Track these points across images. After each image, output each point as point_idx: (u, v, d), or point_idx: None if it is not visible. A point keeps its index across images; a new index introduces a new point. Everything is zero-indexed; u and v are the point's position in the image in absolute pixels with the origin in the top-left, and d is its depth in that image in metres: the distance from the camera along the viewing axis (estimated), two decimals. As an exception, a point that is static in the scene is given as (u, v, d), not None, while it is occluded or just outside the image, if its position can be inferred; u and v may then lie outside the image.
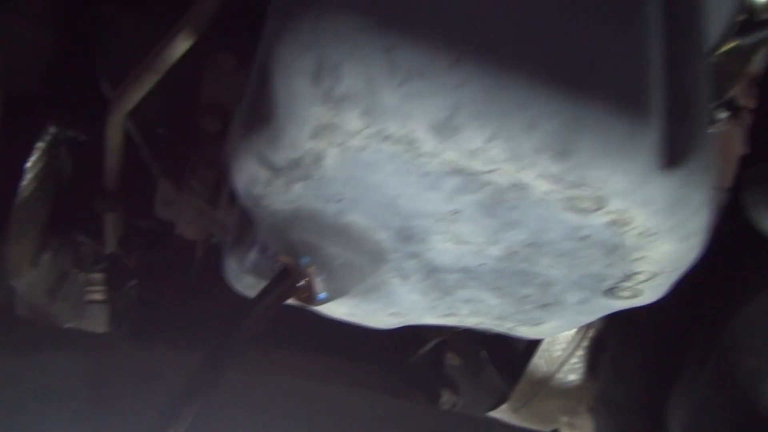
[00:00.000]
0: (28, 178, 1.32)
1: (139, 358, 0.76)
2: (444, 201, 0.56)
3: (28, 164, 1.29)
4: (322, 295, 0.69)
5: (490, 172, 0.51)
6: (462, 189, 0.54)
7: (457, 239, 0.62)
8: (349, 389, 0.88)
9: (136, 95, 0.82)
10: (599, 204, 0.52)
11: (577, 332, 1.60)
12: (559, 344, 1.63)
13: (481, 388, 1.78)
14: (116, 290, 1.29)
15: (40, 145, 1.29)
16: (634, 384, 1.44)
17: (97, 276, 1.23)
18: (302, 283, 0.69)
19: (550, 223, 0.57)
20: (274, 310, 0.67)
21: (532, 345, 1.72)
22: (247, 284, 0.79)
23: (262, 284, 0.79)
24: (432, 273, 0.71)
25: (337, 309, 0.81)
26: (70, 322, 1.63)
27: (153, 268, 1.40)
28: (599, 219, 0.53)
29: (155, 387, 0.74)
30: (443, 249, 0.65)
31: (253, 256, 0.73)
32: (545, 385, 1.72)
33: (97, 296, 1.19)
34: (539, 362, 1.67)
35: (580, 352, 1.64)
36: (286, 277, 0.68)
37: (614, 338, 1.51)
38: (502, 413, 1.84)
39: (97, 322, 1.20)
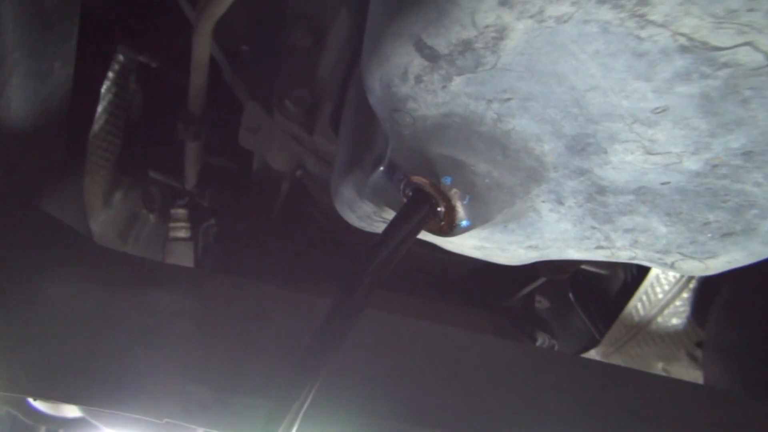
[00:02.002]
0: (98, 111, 1.24)
1: (242, 296, 0.68)
2: (653, 94, 0.43)
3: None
4: (465, 222, 0.58)
5: (736, 47, 0.38)
6: (686, 75, 0.41)
7: (648, 149, 0.50)
8: (469, 333, 0.78)
9: (228, -3, 0.71)
10: None
11: (683, 273, 1.45)
12: (662, 286, 1.50)
13: (567, 332, 1.68)
14: (196, 228, 1.22)
15: (109, 74, 1.20)
16: (753, 329, 1.30)
17: (181, 212, 1.15)
18: (441, 208, 0.58)
19: (789, 121, 0.44)
20: (410, 241, 0.57)
21: (627, 287, 1.59)
22: (365, 213, 0.69)
23: (383, 213, 0.69)
24: (595, 196, 0.59)
25: (465, 242, 0.70)
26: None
27: (230, 206, 1.32)
28: None
29: (262, 326, 0.66)
30: (623, 163, 0.53)
31: (376, 178, 0.62)
32: (642, 330, 1.60)
33: (182, 233, 1.12)
34: (636, 305, 1.55)
35: (686, 295, 1.50)
36: (423, 202, 0.57)
37: (731, 279, 1.36)
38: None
39: (180, 261, 1.13)
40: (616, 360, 1.71)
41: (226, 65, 0.92)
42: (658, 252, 0.67)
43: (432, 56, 0.44)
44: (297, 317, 0.67)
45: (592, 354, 1.72)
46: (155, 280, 0.61)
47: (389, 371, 0.66)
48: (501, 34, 0.40)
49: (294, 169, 1.03)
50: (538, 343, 1.34)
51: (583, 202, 0.60)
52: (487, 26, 0.40)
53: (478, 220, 0.59)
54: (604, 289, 1.62)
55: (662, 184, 0.55)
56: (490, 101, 0.48)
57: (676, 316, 1.55)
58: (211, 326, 0.60)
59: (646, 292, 1.51)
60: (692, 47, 0.39)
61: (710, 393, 0.89)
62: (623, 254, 0.69)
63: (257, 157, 1.14)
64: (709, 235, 0.62)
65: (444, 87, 0.47)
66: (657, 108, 0.45)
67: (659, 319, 1.56)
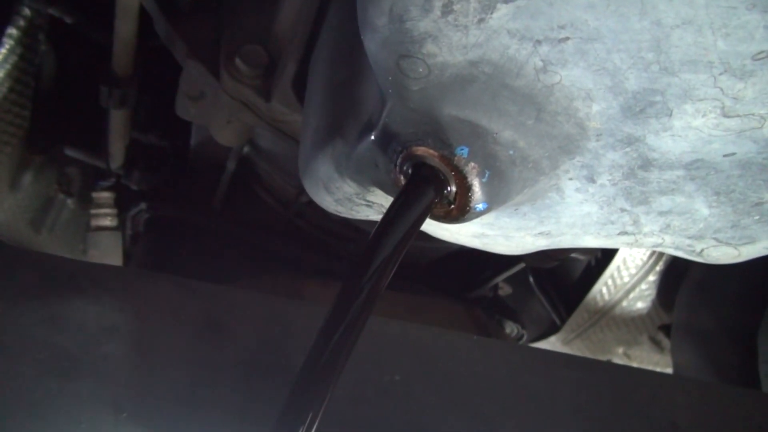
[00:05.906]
0: (-2, 75, 1.04)
1: (190, 301, 0.53)
2: (764, 31, 0.33)
3: (-2, 57, 1.01)
4: (482, 204, 0.46)
5: None
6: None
7: (727, 110, 0.40)
8: (456, 333, 0.68)
9: None
10: None
11: (650, 255, 1.40)
12: (628, 269, 1.44)
13: (527, 317, 1.60)
14: (123, 215, 1.05)
15: (12, 31, 1.00)
16: (724, 312, 1.26)
17: (105, 196, 0.97)
18: (452, 187, 0.46)
19: None
20: (414, 235, 0.44)
21: (590, 271, 1.53)
22: (345, 195, 0.56)
23: (368, 195, 0.56)
24: (637, 171, 0.48)
25: (462, 229, 0.59)
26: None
27: (163, 188, 1.15)
28: None
29: (219, 341, 0.52)
30: (686, 129, 0.42)
31: (364, 150, 0.49)
32: (606, 315, 1.54)
33: (107, 221, 0.94)
34: (601, 289, 1.49)
35: (652, 278, 1.45)
36: (428, 181, 0.45)
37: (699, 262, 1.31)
38: (551, 345, 1.68)
39: (106, 254, 0.96)
40: (578, 346, 1.66)
41: (159, 16, 0.75)
42: (690, 238, 0.57)
43: (475, -29, 0.31)
44: (263, 325, 0.53)
45: (552, 340, 1.66)
46: (75, 285, 0.45)
47: (378, 378, 0.54)
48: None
49: (242, 145, 0.88)
50: (507, 331, 1.25)
51: (620, 179, 0.49)
52: None
53: (496, 202, 0.47)
54: (566, 272, 1.56)
55: (725, 156, 0.45)
56: (538, 42, 0.36)
57: (641, 300, 1.50)
58: (152, 345, 0.46)
59: (612, 276, 1.45)
60: None
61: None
62: (648, 241, 0.59)
63: (196, 131, 0.98)
64: (757, 217, 0.53)
65: (481, 21, 0.34)
66: (761, 52, 0.34)
67: (624, 304, 1.50)
